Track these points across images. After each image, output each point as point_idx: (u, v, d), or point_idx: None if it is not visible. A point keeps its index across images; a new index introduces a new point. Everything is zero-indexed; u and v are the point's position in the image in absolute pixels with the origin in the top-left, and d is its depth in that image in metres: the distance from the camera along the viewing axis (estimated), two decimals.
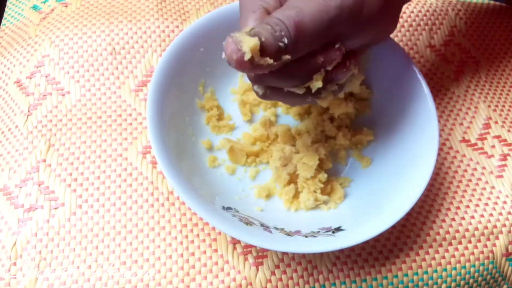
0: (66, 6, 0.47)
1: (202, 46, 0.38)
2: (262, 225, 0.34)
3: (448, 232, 0.38)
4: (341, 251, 0.36)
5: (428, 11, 0.49)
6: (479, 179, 0.40)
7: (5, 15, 0.50)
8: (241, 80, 0.42)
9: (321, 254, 0.36)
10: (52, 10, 0.47)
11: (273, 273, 0.35)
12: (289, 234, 0.33)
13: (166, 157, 0.33)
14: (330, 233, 0.33)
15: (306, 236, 0.33)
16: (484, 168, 0.41)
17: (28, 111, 0.41)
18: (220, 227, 0.31)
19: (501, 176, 0.41)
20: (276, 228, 0.34)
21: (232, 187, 0.38)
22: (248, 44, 0.23)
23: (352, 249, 0.37)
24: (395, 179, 0.36)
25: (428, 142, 0.35)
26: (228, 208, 0.34)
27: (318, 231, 0.34)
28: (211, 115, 0.40)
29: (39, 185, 0.38)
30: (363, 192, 0.37)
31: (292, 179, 0.38)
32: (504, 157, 0.42)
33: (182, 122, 0.38)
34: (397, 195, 0.34)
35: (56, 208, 0.37)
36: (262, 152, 0.40)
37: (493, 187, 0.40)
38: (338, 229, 0.33)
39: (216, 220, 0.31)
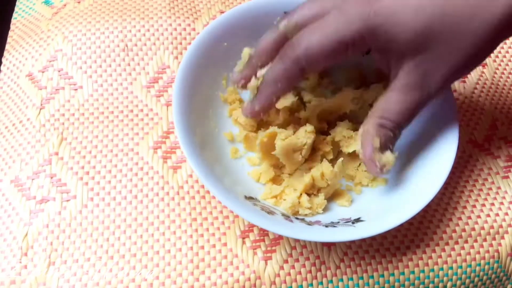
0: (79, 2, 0.47)
1: (226, 41, 0.39)
2: (283, 214, 0.34)
3: (454, 231, 0.38)
4: (349, 247, 0.37)
5: None
6: (485, 179, 0.41)
7: (16, 9, 0.50)
8: None
9: (329, 250, 0.37)
10: (65, 5, 0.47)
11: (281, 268, 0.36)
12: (309, 223, 0.34)
13: (192, 147, 0.33)
14: (350, 223, 0.33)
15: (326, 226, 0.33)
16: (490, 168, 0.41)
17: (41, 104, 0.41)
18: (244, 216, 0.31)
19: (507, 177, 0.41)
20: (297, 218, 0.34)
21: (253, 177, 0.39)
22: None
23: (359, 245, 0.37)
24: (414, 173, 0.36)
25: (447, 138, 0.35)
26: (250, 198, 0.35)
27: (338, 222, 0.34)
28: (233, 108, 0.41)
29: (51, 178, 0.38)
30: (382, 186, 0.38)
31: (277, 180, 0.38)
32: (510, 158, 0.42)
33: (206, 114, 0.39)
34: (417, 188, 0.35)
35: (67, 201, 0.37)
36: None
37: (499, 188, 0.40)
38: (358, 220, 0.34)
39: (240, 209, 0.31)
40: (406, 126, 0.33)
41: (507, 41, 0.49)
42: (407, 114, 0.31)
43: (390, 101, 0.31)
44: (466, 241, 0.38)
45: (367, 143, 0.32)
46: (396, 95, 0.31)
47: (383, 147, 0.32)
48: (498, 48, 0.48)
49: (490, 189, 0.40)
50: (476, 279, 0.38)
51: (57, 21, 0.46)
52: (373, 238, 0.34)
